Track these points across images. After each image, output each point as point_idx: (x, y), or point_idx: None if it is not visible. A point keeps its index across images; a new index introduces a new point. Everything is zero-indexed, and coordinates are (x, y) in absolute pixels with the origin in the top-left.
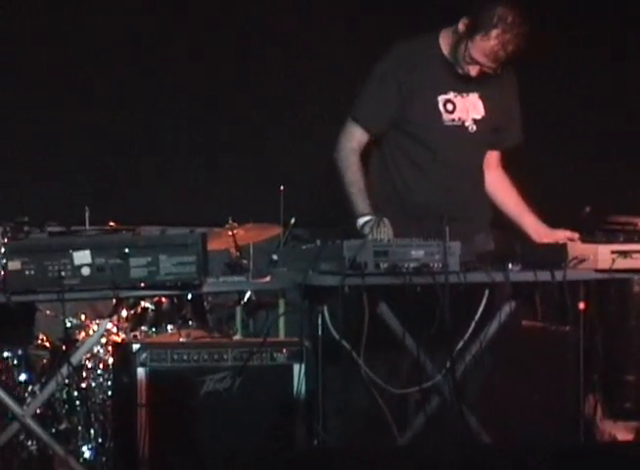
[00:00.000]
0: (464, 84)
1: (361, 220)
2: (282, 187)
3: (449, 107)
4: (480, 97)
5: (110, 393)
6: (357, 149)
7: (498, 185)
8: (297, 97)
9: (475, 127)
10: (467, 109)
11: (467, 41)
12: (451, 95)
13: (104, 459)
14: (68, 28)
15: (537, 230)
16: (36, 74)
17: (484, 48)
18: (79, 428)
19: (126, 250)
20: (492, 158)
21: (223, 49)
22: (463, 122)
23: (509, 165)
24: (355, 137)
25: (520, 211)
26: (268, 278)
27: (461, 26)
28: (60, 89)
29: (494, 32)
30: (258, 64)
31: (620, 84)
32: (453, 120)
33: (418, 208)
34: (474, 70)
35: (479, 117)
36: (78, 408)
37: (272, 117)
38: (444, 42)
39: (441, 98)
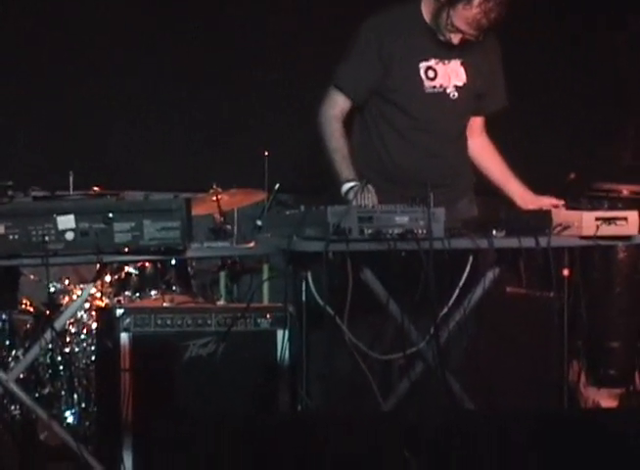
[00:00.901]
0: (446, 51)
1: (345, 186)
2: (266, 153)
3: (430, 74)
4: (462, 64)
5: (93, 357)
6: (340, 116)
7: (482, 151)
8: (282, 62)
9: (456, 94)
10: (448, 75)
11: (449, 9)
12: (432, 62)
13: (87, 423)
14: None
15: (522, 196)
16: (20, 41)
17: (467, 16)
18: (63, 392)
19: (110, 215)
20: (476, 124)
21: (210, 19)
22: (444, 89)
23: (494, 132)
24: (338, 104)
25: (505, 178)
26: (252, 244)
27: None
28: (45, 55)
29: (476, 1)
30: (242, 32)
31: (606, 52)
32: (434, 87)
33: (400, 174)
34: (456, 38)
35: (460, 83)
36: (62, 373)
37: (256, 83)
38: (426, 9)
39: (423, 65)
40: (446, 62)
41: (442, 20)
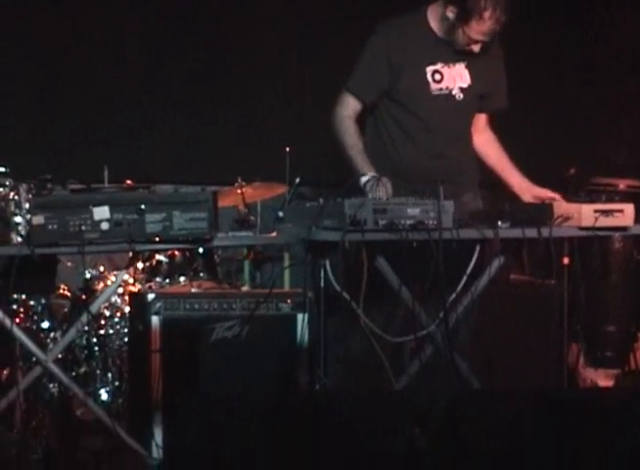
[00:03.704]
0: (451, 55)
1: (363, 179)
2: (287, 148)
3: (437, 77)
4: (467, 66)
5: (126, 339)
6: (352, 115)
7: (486, 145)
8: (302, 60)
9: (461, 95)
10: (454, 78)
11: (463, 27)
12: (439, 66)
13: (120, 401)
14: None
15: (522, 187)
16: (56, 40)
17: (483, 30)
18: (97, 372)
19: (142, 206)
20: (480, 120)
21: (229, 16)
22: (450, 91)
23: (498, 129)
24: (350, 106)
25: (506, 169)
26: (274, 233)
27: (450, 14)
28: (80, 55)
29: (487, 14)
30: (261, 31)
31: (605, 51)
32: (441, 90)
33: (409, 172)
34: (476, 48)
35: (465, 85)
36: (97, 354)
37: (277, 83)
38: (432, 17)
39: (430, 69)
40: (451, 65)
41: (459, 36)
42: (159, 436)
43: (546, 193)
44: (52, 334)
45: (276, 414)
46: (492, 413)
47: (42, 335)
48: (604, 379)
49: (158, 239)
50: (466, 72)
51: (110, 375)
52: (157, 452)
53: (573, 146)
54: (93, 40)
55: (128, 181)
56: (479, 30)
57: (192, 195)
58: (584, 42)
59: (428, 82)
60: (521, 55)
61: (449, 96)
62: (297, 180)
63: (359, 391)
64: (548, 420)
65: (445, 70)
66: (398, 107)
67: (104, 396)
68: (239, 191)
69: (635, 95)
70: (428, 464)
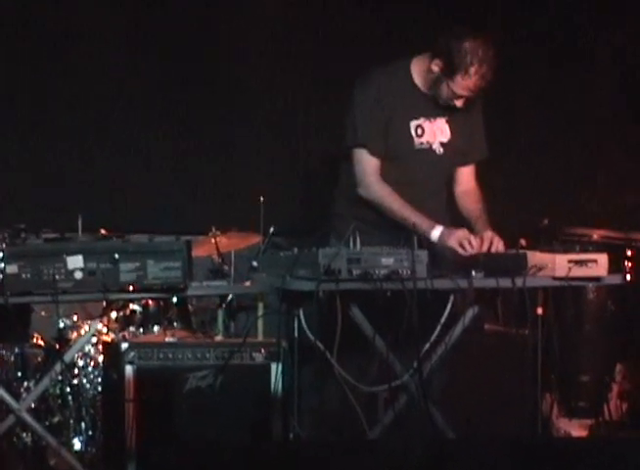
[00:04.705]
0: (432, 109)
1: (436, 232)
2: (262, 198)
3: (419, 131)
4: (447, 121)
5: (100, 388)
6: (380, 178)
7: (466, 197)
8: (278, 110)
9: (442, 150)
10: (434, 132)
11: (447, 82)
12: (421, 120)
13: (93, 450)
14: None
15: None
16: (25, 79)
17: (468, 85)
18: (71, 421)
19: (116, 255)
20: (465, 173)
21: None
22: (430, 146)
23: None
24: (371, 165)
25: (475, 219)
26: (248, 283)
27: (435, 68)
28: (51, 98)
29: (472, 69)
30: (240, 78)
31: (579, 99)
32: (422, 144)
33: (384, 222)
34: (459, 102)
35: (445, 140)
36: (70, 403)
37: (253, 132)
38: (416, 70)
39: (413, 123)
40: (432, 119)
41: (443, 91)
42: None
43: (490, 237)
44: (25, 383)
45: (250, 463)
46: (468, 462)
47: (15, 384)
48: (578, 429)
49: (131, 288)
50: (446, 127)
51: (83, 424)
52: None
53: (547, 196)
54: (66, 91)
55: (102, 230)
56: (464, 85)
57: (166, 244)
58: (559, 92)
59: (411, 136)
60: (496, 104)
61: (430, 150)
62: (272, 230)
63: (333, 440)
64: (524, 468)
65: (427, 124)
66: (381, 159)
67: (77, 445)
68: (213, 240)
69: (609, 145)
70: None
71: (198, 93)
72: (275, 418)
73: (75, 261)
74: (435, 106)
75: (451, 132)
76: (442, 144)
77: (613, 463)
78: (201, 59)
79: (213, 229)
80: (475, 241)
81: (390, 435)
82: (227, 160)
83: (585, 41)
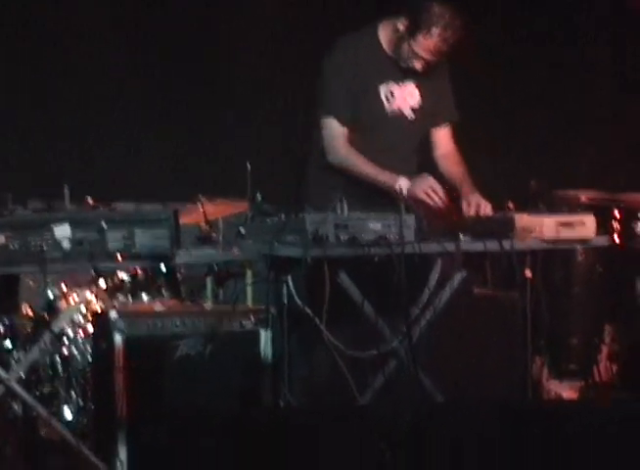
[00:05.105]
0: (401, 74)
1: (404, 185)
2: (249, 165)
3: (389, 96)
4: (417, 85)
5: (89, 358)
6: (347, 143)
7: (446, 159)
8: (265, 78)
9: (413, 115)
10: (405, 98)
11: (409, 40)
12: (390, 84)
13: (84, 420)
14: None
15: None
16: (16, 54)
17: (428, 46)
18: (61, 391)
19: (104, 224)
20: (442, 136)
21: (197, 33)
22: (402, 112)
23: (459, 142)
24: (338, 133)
25: (460, 182)
26: (236, 250)
27: (401, 27)
28: (38, 73)
29: (435, 31)
30: (227, 44)
31: (567, 62)
32: (393, 110)
33: (360, 189)
34: (419, 65)
35: (416, 104)
36: (60, 373)
37: (240, 98)
38: (383, 35)
39: (383, 88)
40: (401, 83)
41: (404, 51)
42: (123, 454)
43: (477, 201)
44: (15, 353)
45: (240, 430)
46: (457, 426)
47: (5, 355)
48: (568, 391)
49: (119, 257)
50: (416, 91)
51: (74, 394)
52: None
53: (535, 158)
54: (54, 61)
55: (89, 199)
56: (424, 46)
57: (153, 212)
58: (545, 53)
59: (382, 102)
60: (483, 67)
61: (402, 116)
62: (259, 196)
63: (323, 406)
64: (513, 432)
65: (396, 88)
66: (352, 126)
67: (68, 415)
68: (200, 208)
69: (597, 106)
70: None
71: (182, 56)
72: (265, 385)
73: (63, 231)
74: (404, 70)
75: (421, 96)
76: (413, 109)
77: (602, 425)
78: (201, 59)
79: (200, 196)
80: (440, 188)
81: (380, 400)
82: (213, 126)
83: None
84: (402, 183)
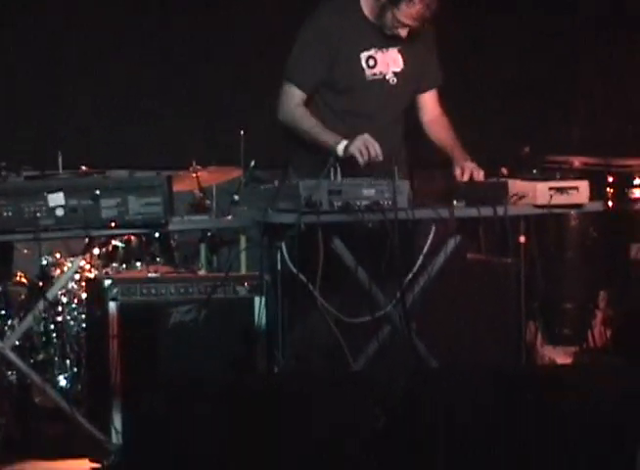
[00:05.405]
0: (384, 40)
1: (341, 146)
2: (242, 131)
3: (371, 62)
4: (400, 51)
5: (84, 325)
6: (300, 104)
7: (434, 124)
8: (259, 44)
9: (395, 80)
10: (387, 63)
11: (392, 8)
12: (373, 51)
13: (79, 387)
14: None
15: (459, 161)
16: (16, 26)
17: (411, 13)
18: (55, 358)
19: (97, 191)
20: (428, 101)
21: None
22: (384, 76)
23: (452, 108)
24: (295, 96)
25: (451, 147)
26: (230, 217)
27: None
28: (33, 41)
29: None
30: (226, 13)
31: (557, 27)
32: (374, 75)
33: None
34: (403, 32)
35: (398, 69)
36: (54, 340)
37: (233, 66)
38: (364, 2)
39: (364, 55)
40: (385, 50)
41: (388, 19)
42: (118, 421)
43: (470, 167)
44: (9, 321)
45: (235, 397)
46: (452, 391)
47: None
48: (562, 356)
49: (113, 224)
50: (399, 57)
51: (68, 361)
52: (116, 438)
53: (527, 124)
54: (47, 30)
55: (83, 167)
56: (408, 14)
57: (147, 180)
58: (535, 19)
59: (362, 68)
60: (473, 34)
61: (383, 80)
62: (252, 163)
63: (317, 372)
64: (507, 397)
65: (379, 55)
66: (333, 93)
67: (62, 382)
68: (194, 175)
69: (589, 72)
70: (388, 444)
71: (178, 25)
72: (259, 352)
73: (56, 199)
74: (387, 36)
75: (404, 62)
76: (395, 73)
77: (597, 390)
78: (196, 26)
79: (194, 163)
80: (373, 146)
81: (374, 366)
82: (207, 93)
83: None
84: (341, 145)
